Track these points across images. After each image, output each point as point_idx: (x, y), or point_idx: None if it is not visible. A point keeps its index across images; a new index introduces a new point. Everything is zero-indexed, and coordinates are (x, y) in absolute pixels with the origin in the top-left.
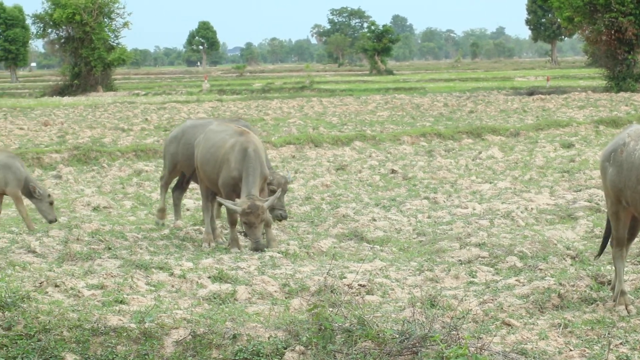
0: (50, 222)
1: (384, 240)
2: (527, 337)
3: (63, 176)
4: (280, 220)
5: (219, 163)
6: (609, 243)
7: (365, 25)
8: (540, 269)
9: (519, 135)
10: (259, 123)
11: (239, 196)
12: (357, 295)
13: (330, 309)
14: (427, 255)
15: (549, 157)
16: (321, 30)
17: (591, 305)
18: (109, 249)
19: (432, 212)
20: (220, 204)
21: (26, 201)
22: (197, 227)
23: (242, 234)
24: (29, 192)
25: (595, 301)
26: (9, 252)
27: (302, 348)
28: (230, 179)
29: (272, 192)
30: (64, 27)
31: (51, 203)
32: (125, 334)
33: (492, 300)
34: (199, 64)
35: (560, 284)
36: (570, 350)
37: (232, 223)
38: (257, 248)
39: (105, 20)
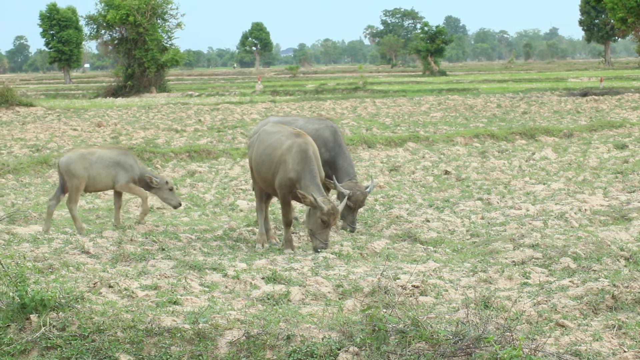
0: (175, 207)
1: (437, 241)
2: (581, 339)
3: None
4: (349, 232)
5: (274, 164)
6: None
7: (418, 26)
8: (594, 270)
9: (573, 136)
10: None
11: (294, 198)
12: (410, 296)
13: (384, 310)
14: (481, 257)
15: (603, 158)
16: (374, 31)
17: None
18: (163, 249)
19: (486, 213)
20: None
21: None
22: (250, 228)
23: (309, 231)
24: (147, 184)
25: None
26: (63, 253)
27: (356, 349)
28: (287, 180)
29: (349, 208)
30: (117, 28)
31: (171, 189)
32: (179, 334)
33: (546, 301)
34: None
35: (614, 285)
36: (625, 351)
37: (287, 224)
38: (323, 249)
39: (159, 21)
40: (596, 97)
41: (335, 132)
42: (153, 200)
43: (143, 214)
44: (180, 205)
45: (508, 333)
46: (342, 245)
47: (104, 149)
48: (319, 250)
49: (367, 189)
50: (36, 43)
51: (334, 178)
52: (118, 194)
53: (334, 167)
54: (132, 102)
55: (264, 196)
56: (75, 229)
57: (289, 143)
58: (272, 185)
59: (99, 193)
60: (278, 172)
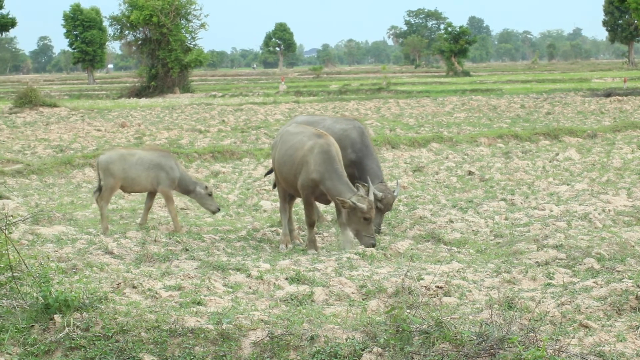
0: (214, 212)
1: (461, 241)
2: (605, 339)
3: None
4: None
5: (296, 165)
6: None
7: (442, 26)
8: (618, 271)
9: (596, 137)
10: None
11: (318, 198)
12: (434, 297)
13: (408, 311)
14: (505, 257)
15: (627, 159)
16: (398, 31)
17: None
18: (186, 250)
19: (509, 214)
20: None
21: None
22: (274, 228)
23: (354, 232)
24: (186, 187)
25: None
26: (87, 254)
27: (380, 350)
28: (309, 180)
29: (379, 210)
30: (141, 28)
31: (210, 194)
32: (202, 335)
33: (570, 302)
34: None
35: (638, 285)
36: None
37: (310, 225)
38: (374, 243)
39: (182, 21)
40: (620, 98)
41: (363, 133)
42: (177, 200)
43: (175, 231)
44: (218, 210)
45: (532, 334)
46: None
47: (145, 151)
48: (370, 246)
49: (395, 193)
50: (60, 43)
51: (369, 180)
52: (151, 195)
53: (361, 169)
54: (155, 103)
55: (287, 197)
56: (100, 228)
57: (311, 144)
58: (295, 185)
59: (121, 193)
60: (300, 173)
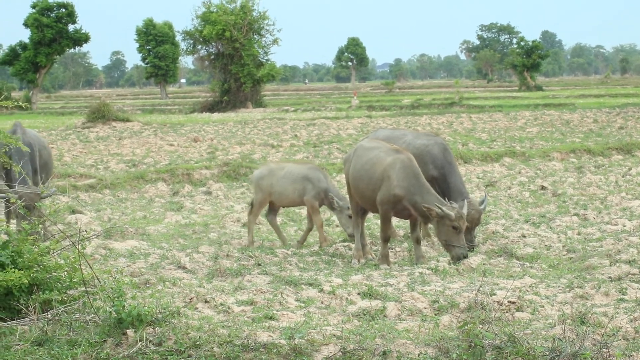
0: (350, 235)
1: (533, 256)
2: None
3: (213, 192)
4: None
5: (374, 180)
6: None
7: (515, 41)
8: None
9: None
10: None
11: (399, 214)
12: (507, 312)
13: (480, 326)
14: (577, 272)
15: None
16: (470, 46)
17: None
18: (259, 265)
19: (582, 229)
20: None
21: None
22: (346, 243)
23: (444, 243)
24: (330, 204)
25: None
26: (160, 268)
27: None
28: (392, 196)
29: (466, 228)
30: (213, 43)
31: (350, 216)
32: (275, 350)
33: None
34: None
35: None
36: None
37: (385, 240)
38: (466, 254)
39: (255, 36)
40: None
41: (445, 149)
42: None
43: (321, 243)
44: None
45: (605, 349)
46: (438, 260)
47: (294, 164)
48: (461, 257)
49: (482, 207)
50: (133, 58)
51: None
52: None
53: (444, 186)
54: (228, 117)
55: (360, 211)
56: (246, 242)
57: (391, 160)
58: (370, 200)
59: (194, 208)
60: (380, 188)
